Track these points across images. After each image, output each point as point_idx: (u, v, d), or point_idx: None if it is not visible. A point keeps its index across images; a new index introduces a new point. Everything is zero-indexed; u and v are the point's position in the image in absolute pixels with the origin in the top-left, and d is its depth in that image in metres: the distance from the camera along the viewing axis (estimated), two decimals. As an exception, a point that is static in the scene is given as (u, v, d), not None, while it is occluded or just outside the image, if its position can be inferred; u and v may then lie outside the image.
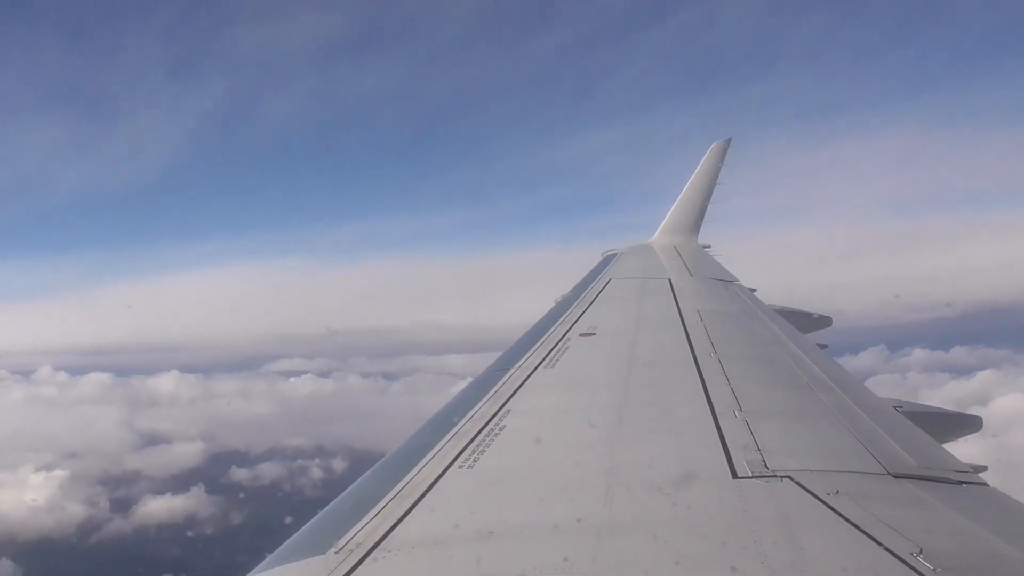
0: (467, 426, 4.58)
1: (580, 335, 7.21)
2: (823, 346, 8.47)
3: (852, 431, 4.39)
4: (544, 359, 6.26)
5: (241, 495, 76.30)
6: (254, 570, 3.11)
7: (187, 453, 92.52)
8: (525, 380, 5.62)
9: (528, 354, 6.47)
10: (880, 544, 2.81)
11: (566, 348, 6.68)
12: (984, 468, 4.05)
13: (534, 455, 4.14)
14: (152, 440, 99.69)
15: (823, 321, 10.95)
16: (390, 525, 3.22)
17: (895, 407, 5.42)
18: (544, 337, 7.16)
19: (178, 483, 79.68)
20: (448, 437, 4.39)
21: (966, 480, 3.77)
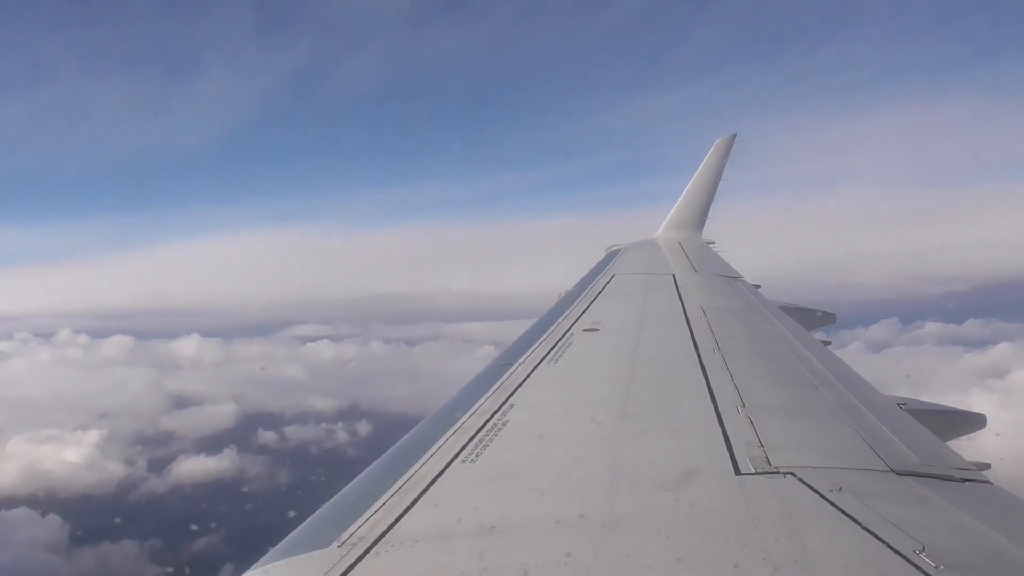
0: (470, 421, 4.59)
1: (584, 330, 7.21)
2: (827, 343, 8.46)
3: (855, 428, 4.39)
4: (548, 354, 6.26)
5: (270, 457, 78.50)
6: (256, 563, 3.12)
7: (217, 415, 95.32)
8: (528, 375, 5.62)
9: (532, 349, 6.48)
10: (882, 541, 2.81)
11: (570, 343, 6.67)
12: (988, 466, 4.04)
13: (537, 450, 4.15)
14: (182, 402, 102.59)
15: (827, 318, 10.95)
16: (392, 519, 3.22)
17: (898, 404, 5.41)
18: (548, 332, 7.16)
19: (209, 444, 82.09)
20: (451, 431, 4.40)
21: (969, 478, 3.76)
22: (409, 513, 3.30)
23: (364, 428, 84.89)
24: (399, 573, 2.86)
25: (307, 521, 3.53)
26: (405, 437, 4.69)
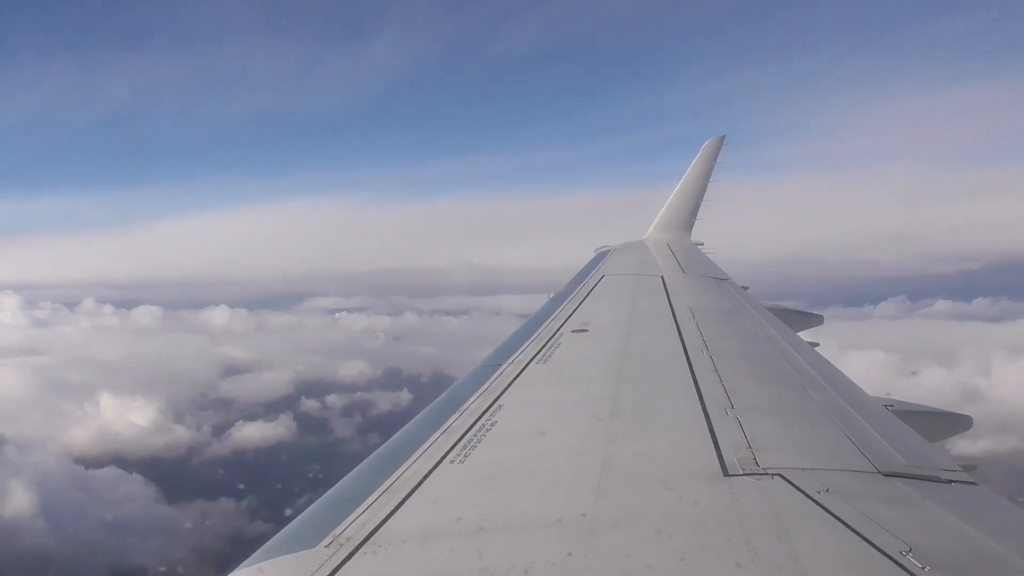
0: (459, 421, 4.58)
1: (572, 331, 7.21)
2: (815, 344, 8.50)
3: (843, 429, 4.40)
4: (536, 355, 6.26)
5: (314, 424, 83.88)
6: (243, 563, 3.10)
7: (267, 383, 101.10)
8: (517, 376, 5.62)
9: (520, 350, 6.47)
10: (869, 542, 2.82)
11: (558, 344, 6.67)
12: (974, 467, 4.07)
13: (525, 451, 4.14)
14: (232, 370, 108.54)
15: (815, 319, 11.02)
16: (380, 519, 3.21)
17: (885, 405, 5.44)
18: (536, 333, 7.16)
19: (264, 411, 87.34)
20: (439, 432, 4.39)
21: (956, 479, 3.78)
22: (397, 513, 3.29)
23: (404, 397, 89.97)
24: (386, 573, 2.84)
25: (294, 521, 3.51)
26: (393, 437, 4.67)
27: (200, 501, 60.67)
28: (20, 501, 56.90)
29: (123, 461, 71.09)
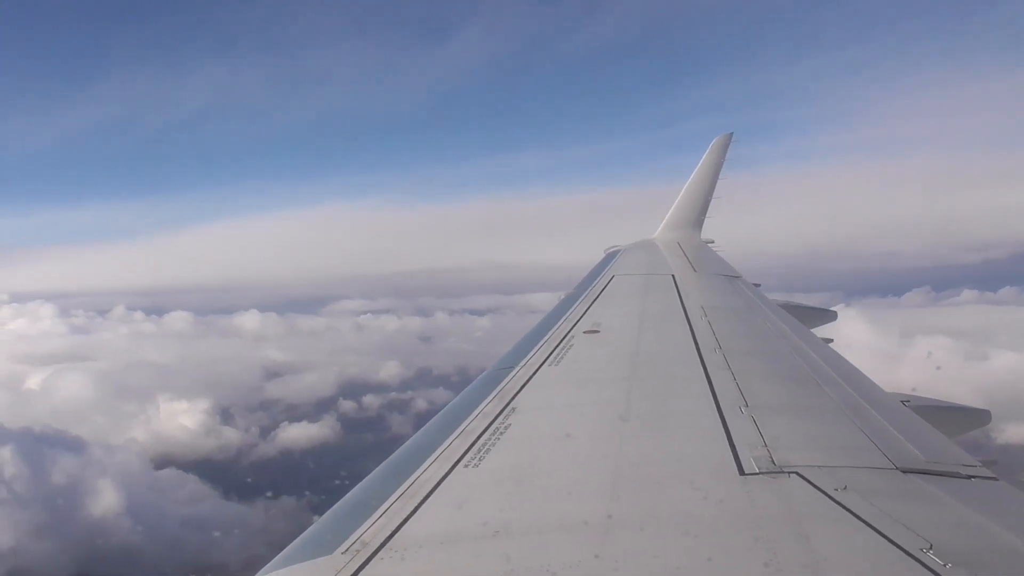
0: (472, 425, 4.58)
1: (584, 333, 7.20)
2: (829, 340, 8.45)
3: (859, 426, 4.37)
4: (548, 357, 6.25)
5: (357, 424, 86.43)
6: (262, 570, 3.11)
7: (308, 385, 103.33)
8: (530, 378, 5.61)
9: (532, 352, 6.47)
10: (889, 539, 2.80)
11: (570, 346, 6.66)
12: (994, 462, 4.02)
13: (540, 453, 4.14)
14: (272, 373, 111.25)
15: (828, 315, 10.96)
16: (396, 525, 3.21)
17: (902, 401, 5.40)
18: (548, 335, 7.15)
19: (307, 412, 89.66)
20: (453, 436, 4.39)
21: (975, 474, 3.75)
22: (413, 518, 3.29)
23: (441, 395, 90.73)
24: None
25: (311, 527, 3.52)
26: (408, 442, 4.68)
27: (261, 500, 62.36)
28: (107, 500, 59.24)
29: (178, 462, 73.76)
